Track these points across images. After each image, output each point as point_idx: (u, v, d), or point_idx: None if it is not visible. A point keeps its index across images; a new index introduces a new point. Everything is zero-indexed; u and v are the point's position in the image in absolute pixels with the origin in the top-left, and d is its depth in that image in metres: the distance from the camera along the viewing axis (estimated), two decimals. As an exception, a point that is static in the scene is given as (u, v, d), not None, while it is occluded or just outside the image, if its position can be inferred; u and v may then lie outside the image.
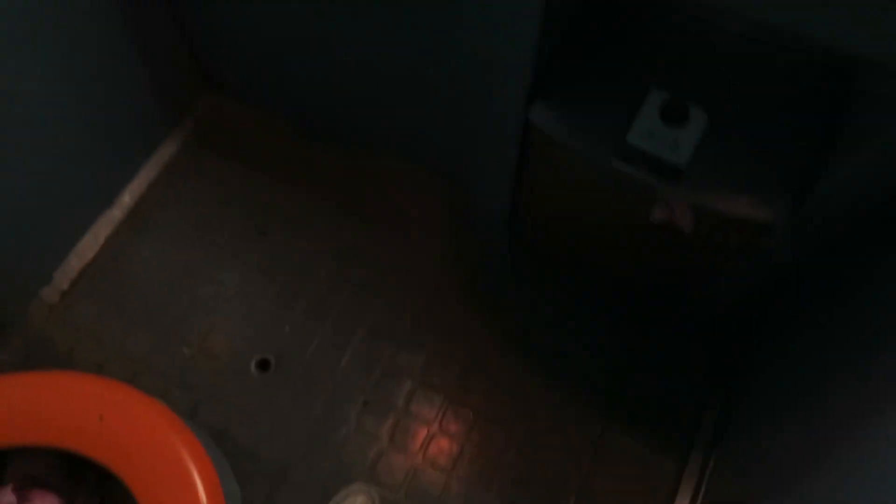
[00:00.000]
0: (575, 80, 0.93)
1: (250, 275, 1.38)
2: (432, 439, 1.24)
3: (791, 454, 0.89)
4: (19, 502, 0.93)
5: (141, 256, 1.41)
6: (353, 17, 1.12)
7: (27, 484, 0.96)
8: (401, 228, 1.42)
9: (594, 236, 1.09)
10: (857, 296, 0.89)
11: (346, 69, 1.24)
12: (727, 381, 1.23)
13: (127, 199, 1.46)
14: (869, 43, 0.62)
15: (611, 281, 1.26)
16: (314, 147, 1.50)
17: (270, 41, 1.29)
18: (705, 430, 1.19)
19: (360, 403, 1.27)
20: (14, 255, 1.28)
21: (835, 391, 0.83)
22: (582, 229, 1.10)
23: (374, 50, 1.16)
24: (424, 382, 1.28)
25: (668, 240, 0.94)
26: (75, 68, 1.20)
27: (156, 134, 1.50)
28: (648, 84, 0.89)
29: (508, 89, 0.94)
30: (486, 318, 1.33)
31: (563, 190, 1.04)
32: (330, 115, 1.44)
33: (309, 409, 1.26)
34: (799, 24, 0.66)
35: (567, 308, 1.34)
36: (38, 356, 1.32)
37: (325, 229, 1.42)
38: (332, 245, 1.40)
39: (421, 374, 1.29)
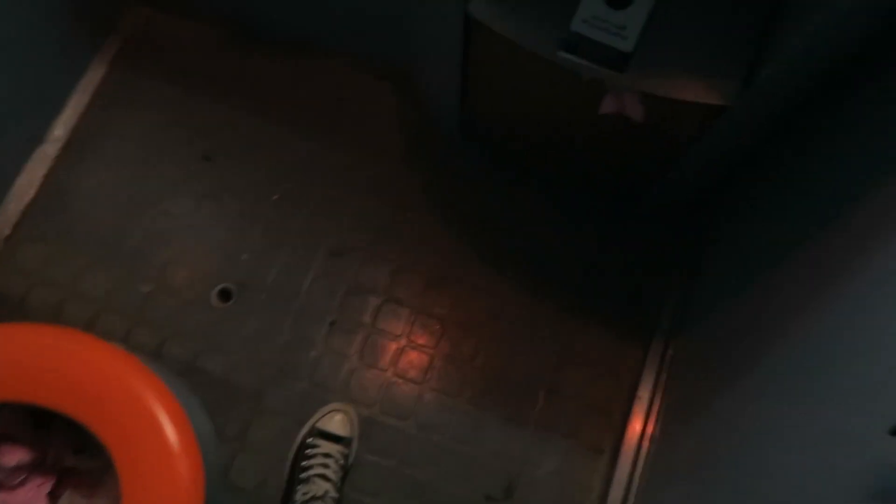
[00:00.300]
0: (513, -33, 0.86)
1: (201, 203, 1.33)
2: (402, 353, 1.24)
3: (742, 336, 0.90)
4: (-14, 457, 0.92)
5: (83, 192, 1.34)
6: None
7: (-7, 438, 0.95)
8: (354, 139, 1.36)
9: (548, 131, 1.06)
10: (810, 168, 0.88)
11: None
12: (688, 269, 1.24)
13: (59, 132, 1.38)
14: None
15: (569, 175, 1.23)
16: (253, 58, 1.41)
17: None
18: (665, 319, 1.21)
19: (327, 324, 1.26)
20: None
21: (784, 271, 0.84)
22: (535, 125, 1.06)
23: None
24: (390, 297, 1.27)
25: (621, 129, 0.91)
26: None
27: (79, 57, 1.40)
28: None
29: (445, -17, 0.87)
30: (448, 225, 1.31)
31: (511, 85, 0.99)
32: (267, 16, 1.34)
33: (276, 334, 1.25)
34: None
35: (529, 207, 1.32)
36: (-10, 307, 1.28)
37: (273, 147, 1.36)
38: (284, 163, 1.35)
39: (386, 289, 1.28)
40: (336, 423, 1.17)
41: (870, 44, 0.78)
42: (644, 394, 1.18)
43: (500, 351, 1.24)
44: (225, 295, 1.28)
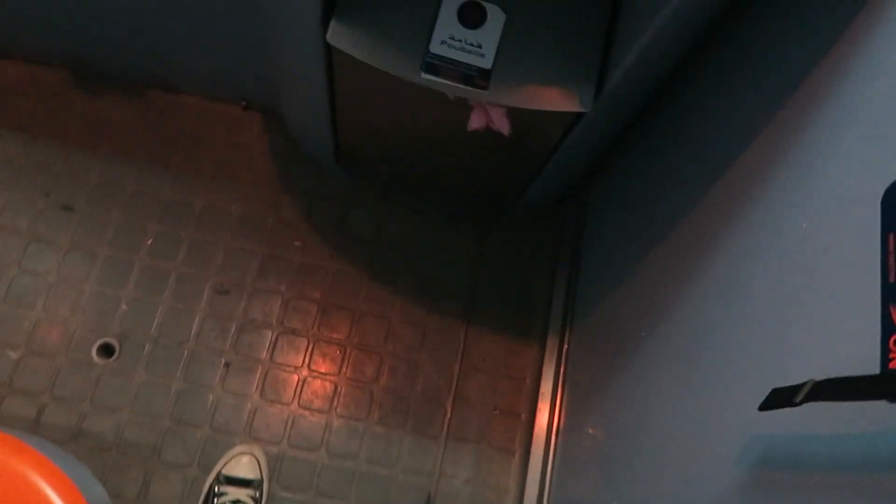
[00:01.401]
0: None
1: (67, 257, 1.24)
2: (304, 384, 1.22)
3: (627, 320, 0.96)
4: None
5: (-72, 262, 1.22)
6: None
7: None
8: (224, 174, 1.32)
9: (420, 149, 1.07)
10: (668, 156, 0.94)
11: None
12: (570, 261, 1.29)
13: None
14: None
15: (445, 189, 1.25)
16: (102, 98, 1.33)
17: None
18: (556, 313, 1.26)
19: (221, 366, 1.21)
20: None
21: (657, 254, 0.89)
22: (407, 145, 1.07)
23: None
24: (285, 329, 1.25)
25: (490, 142, 0.93)
26: None
27: None
28: (441, -12, 0.84)
29: (301, 12, 0.86)
30: (332, 252, 1.30)
31: (380, 109, 1.00)
32: (110, 54, 1.27)
33: (168, 384, 1.19)
34: None
35: (410, 224, 1.33)
36: None
37: (139, 190, 1.29)
38: (152, 206, 1.28)
39: (279, 321, 1.25)
40: (243, 466, 1.13)
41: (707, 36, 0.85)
42: (546, 389, 1.22)
43: (403, 368, 1.24)
44: (107, 350, 1.21)
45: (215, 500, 1.09)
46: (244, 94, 1.32)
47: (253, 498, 1.10)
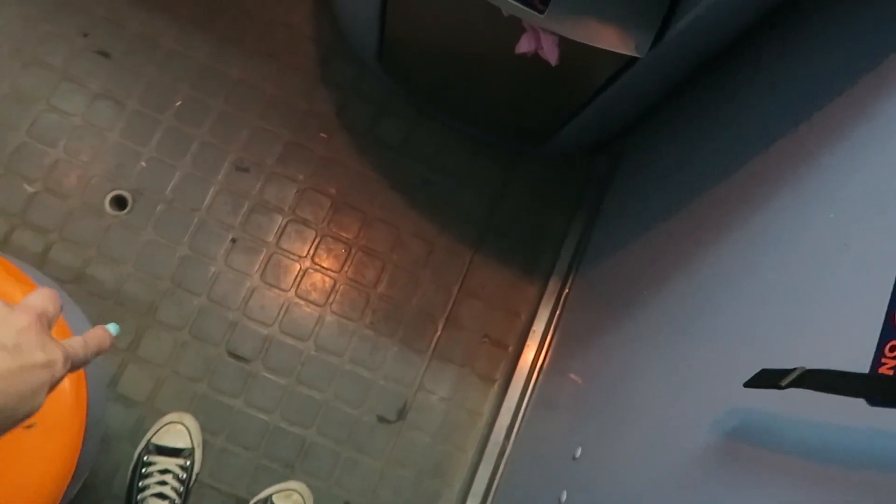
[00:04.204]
0: None
1: (95, 103, 1.24)
2: (305, 275, 1.24)
3: (632, 281, 0.95)
4: None
5: (-41, 80, 1.22)
6: None
7: None
8: (265, 52, 1.29)
9: (463, 65, 1.04)
10: (704, 127, 0.91)
11: None
12: (589, 211, 1.28)
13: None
14: None
15: (479, 112, 1.22)
16: (158, -49, 1.29)
17: None
18: (565, 258, 1.26)
19: (228, 241, 1.23)
20: None
21: (671, 224, 0.88)
22: (451, 58, 1.04)
23: None
24: (295, 218, 1.25)
25: (535, 71, 0.90)
26: None
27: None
28: None
29: None
30: (356, 151, 1.29)
31: (431, 15, 0.96)
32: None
33: (174, 248, 1.21)
34: None
35: (438, 140, 1.31)
36: None
37: (177, 51, 1.27)
38: (187, 69, 1.27)
39: (291, 209, 1.25)
40: (173, 434, 1.11)
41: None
42: (539, 328, 1.23)
43: (403, 280, 1.25)
44: (120, 203, 1.22)
45: (143, 470, 1.08)
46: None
47: (182, 467, 1.10)
